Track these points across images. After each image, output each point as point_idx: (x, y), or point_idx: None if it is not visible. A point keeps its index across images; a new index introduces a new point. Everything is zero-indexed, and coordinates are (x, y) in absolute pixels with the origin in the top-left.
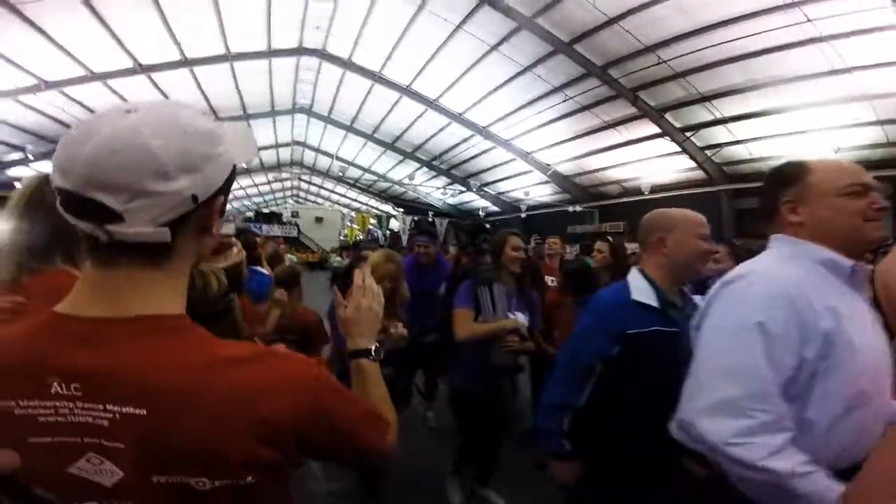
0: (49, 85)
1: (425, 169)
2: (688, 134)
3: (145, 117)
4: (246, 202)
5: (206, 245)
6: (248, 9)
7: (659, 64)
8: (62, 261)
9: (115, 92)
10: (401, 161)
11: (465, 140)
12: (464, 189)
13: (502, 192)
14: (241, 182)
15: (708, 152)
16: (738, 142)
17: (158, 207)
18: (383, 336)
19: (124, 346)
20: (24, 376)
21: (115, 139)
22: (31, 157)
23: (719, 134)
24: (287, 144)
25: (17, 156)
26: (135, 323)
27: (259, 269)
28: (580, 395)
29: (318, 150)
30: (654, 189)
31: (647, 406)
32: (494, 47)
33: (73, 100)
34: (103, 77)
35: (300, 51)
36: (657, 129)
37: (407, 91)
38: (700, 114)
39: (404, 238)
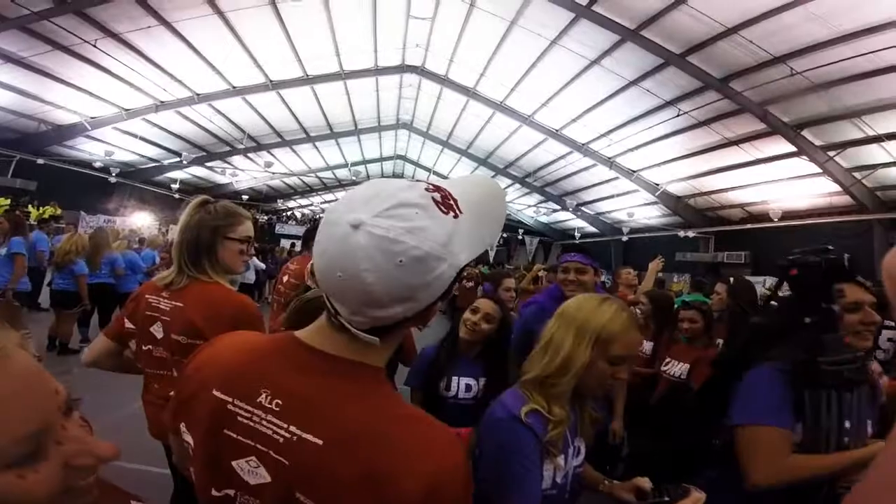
0: (201, 98)
1: (518, 185)
2: (831, 153)
3: (364, 241)
4: None
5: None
6: (357, 29)
7: (792, 75)
8: (210, 266)
9: (252, 107)
10: (493, 177)
11: (562, 157)
12: (558, 208)
13: (601, 213)
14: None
15: (857, 174)
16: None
17: (375, 322)
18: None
19: (331, 380)
20: (247, 381)
21: (336, 267)
22: (185, 161)
23: (872, 154)
24: (391, 158)
25: (174, 160)
26: (347, 364)
27: None
28: None
29: (417, 164)
30: (786, 215)
31: None
32: (595, 61)
33: (219, 112)
34: (242, 92)
35: (402, 68)
36: (791, 148)
37: (500, 107)
38: (847, 130)
39: (492, 254)
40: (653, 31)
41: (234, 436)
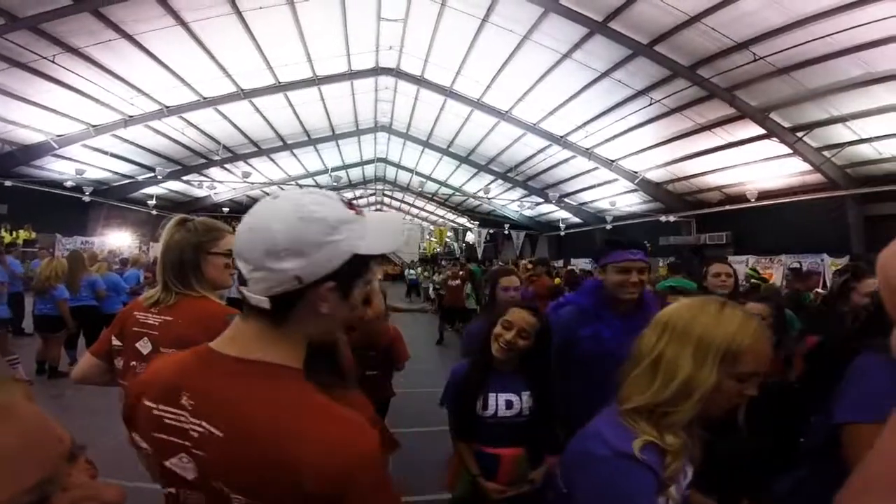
0: (171, 111)
1: (500, 181)
2: (799, 134)
3: (279, 203)
4: None
5: (328, 322)
6: (327, 34)
7: (755, 61)
8: (197, 283)
9: (225, 116)
10: (475, 174)
11: (542, 150)
12: (541, 200)
13: (584, 203)
14: None
15: (826, 153)
16: (862, 140)
17: (269, 281)
18: None
19: (238, 380)
20: (169, 388)
21: (254, 219)
22: (159, 176)
23: (839, 133)
24: (371, 161)
25: (148, 175)
26: (251, 365)
27: None
28: None
29: (398, 166)
30: (763, 195)
31: None
32: (567, 55)
33: (191, 123)
34: (213, 103)
35: (377, 71)
36: (761, 130)
37: (478, 104)
38: (812, 112)
39: (480, 250)
40: (620, 22)
41: (165, 437)
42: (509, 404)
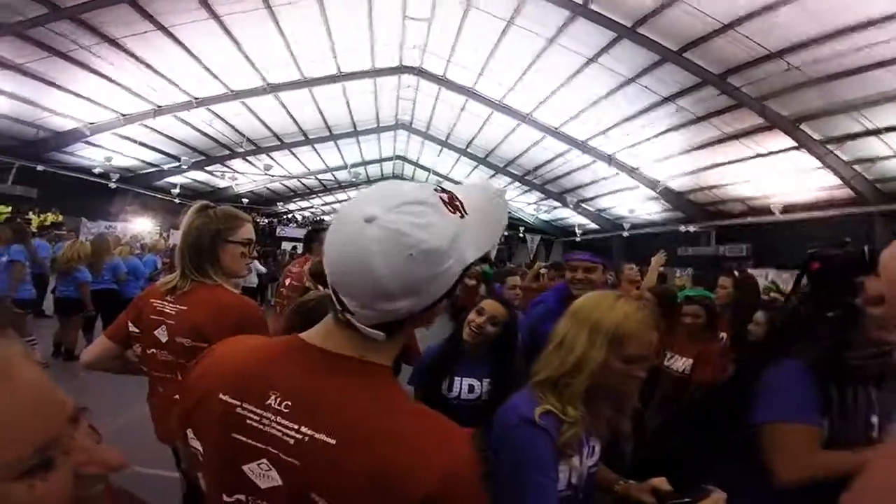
0: (199, 102)
1: (517, 184)
2: (830, 147)
3: (377, 234)
4: None
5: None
6: (353, 31)
7: (789, 70)
8: (213, 270)
9: (250, 110)
10: (492, 175)
11: (561, 154)
12: (558, 205)
13: (603, 209)
14: (348, 193)
15: (857, 167)
16: None
17: (382, 317)
18: None
19: (340, 378)
20: (253, 383)
21: (349, 259)
22: (184, 166)
23: (872, 146)
24: (390, 159)
25: (173, 164)
26: (354, 363)
27: None
28: None
29: (416, 164)
30: (787, 209)
31: None
32: (592, 59)
33: (218, 116)
34: (240, 96)
35: (400, 69)
36: (791, 142)
37: (499, 106)
38: (845, 124)
39: (493, 252)
40: (649, 27)
41: (245, 439)
42: (471, 388)
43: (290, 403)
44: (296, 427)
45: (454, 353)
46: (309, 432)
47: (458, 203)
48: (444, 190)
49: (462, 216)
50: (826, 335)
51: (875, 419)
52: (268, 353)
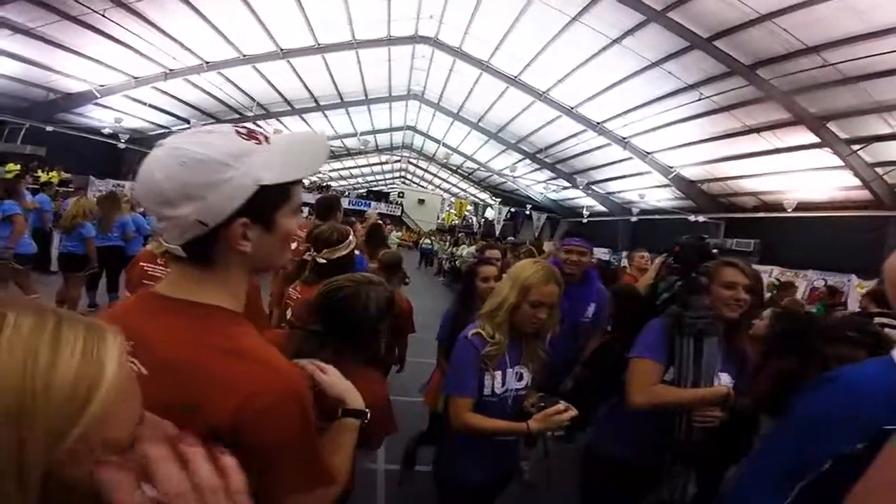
0: (210, 66)
1: (528, 161)
2: (855, 147)
3: (160, 151)
4: (360, 180)
5: (260, 257)
6: None
7: (824, 66)
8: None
9: (262, 75)
10: (503, 151)
11: (575, 135)
12: (568, 185)
13: (612, 193)
14: (357, 161)
15: (879, 170)
16: None
17: (176, 228)
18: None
19: (165, 318)
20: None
21: (142, 171)
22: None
23: None
24: (400, 128)
25: (183, 127)
26: (178, 303)
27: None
28: None
29: (426, 136)
30: (800, 206)
31: None
32: (616, 40)
33: (229, 80)
34: (252, 60)
35: (415, 39)
36: (815, 139)
37: (515, 82)
38: (874, 125)
39: (498, 227)
40: (680, 13)
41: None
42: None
43: (132, 342)
44: (135, 361)
45: (468, 308)
46: (139, 367)
47: (258, 135)
48: (251, 131)
49: (259, 142)
50: (678, 299)
51: (703, 367)
52: (132, 302)
